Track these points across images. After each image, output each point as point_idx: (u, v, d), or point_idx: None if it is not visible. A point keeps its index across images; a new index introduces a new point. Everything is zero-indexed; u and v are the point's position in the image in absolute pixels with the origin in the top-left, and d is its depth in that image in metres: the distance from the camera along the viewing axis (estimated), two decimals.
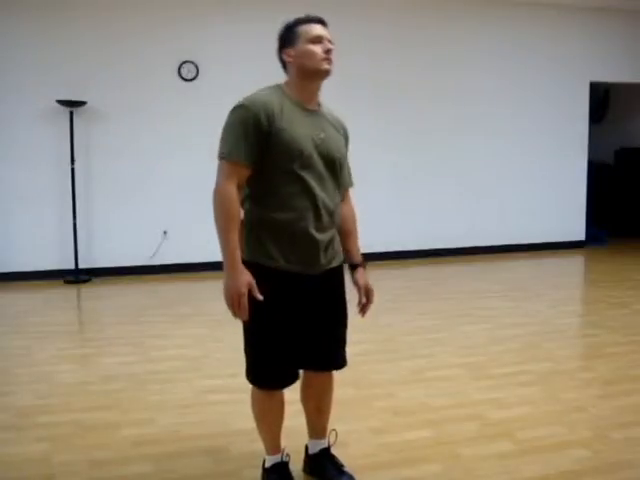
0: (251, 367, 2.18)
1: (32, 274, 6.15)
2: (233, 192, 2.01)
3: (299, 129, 2.06)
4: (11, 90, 6.02)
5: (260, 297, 2.01)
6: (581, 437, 2.75)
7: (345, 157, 2.25)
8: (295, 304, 2.13)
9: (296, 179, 2.06)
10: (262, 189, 2.09)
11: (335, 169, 2.16)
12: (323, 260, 2.15)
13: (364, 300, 2.29)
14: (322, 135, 2.11)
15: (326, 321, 2.22)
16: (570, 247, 7.97)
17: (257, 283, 2.04)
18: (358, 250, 2.34)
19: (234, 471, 2.49)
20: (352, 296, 2.33)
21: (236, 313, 2.01)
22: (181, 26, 6.37)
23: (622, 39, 7.92)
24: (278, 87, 2.14)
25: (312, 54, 2.05)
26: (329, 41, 2.09)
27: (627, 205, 8.91)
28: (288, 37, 2.11)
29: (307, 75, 2.09)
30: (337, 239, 2.26)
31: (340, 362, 2.31)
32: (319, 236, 2.11)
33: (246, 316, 2.01)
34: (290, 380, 2.19)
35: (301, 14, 2.15)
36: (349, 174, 2.35)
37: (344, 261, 2.30)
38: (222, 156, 2.03)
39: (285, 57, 2.12)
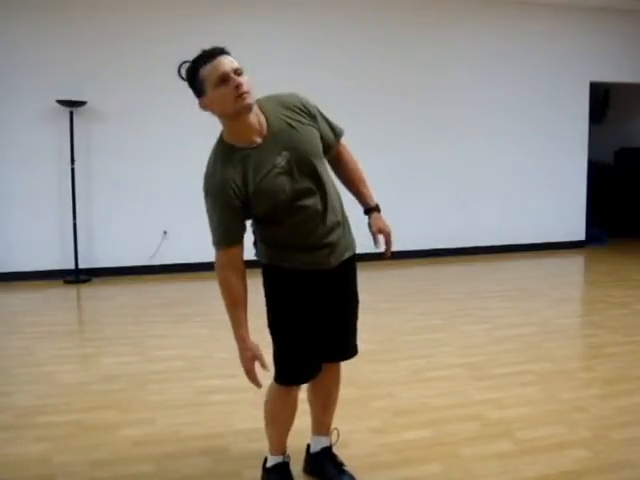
0: (278, 364, 2.20)
1: (32, 274, 6.15)
2: (231, 278, 2.06)
3: (267, 174, 1.99)
4: (11, 90, 6.01)
5: (268, 369, 2.10)
6: (581, 437, 2.75)
7: (317, 137, 2.12)
8: (313, 298, 2.19)
9: (290, 211, 2.06)
10: (264, 227, 2.15)
11: (315, 168, 2.09)
12: (337, 256, 2.20)
13: (379, 246, 2.27)
14: (284, 154, 2.02)
15: (341, 310, 2.28)
16: (570, 247, 7.97)
17: (277, 282, 2.17)
18: (370, 194, 2.33)
19: (234, 471, 2.49)
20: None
21: (252, 383, 2.12)
22: (181, 26, 6.37)
23: (622, 39, 7.92)
24: (221, 144, 2.05)
25: (223, 99, 1.92)
26: (235, 71, 1.93)
27: (627, 205, 8.91)
28: (195, 87, 1.98)
29: (231, 118, 1.98)
30: (347, 229, 2.27)
31: (354, 350, 2.36)
32: (330, 239, 2.15)
33: (260, 386, 2.10)
34: (315, 373, 2.24)
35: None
36: (331, 126, 2.22)
37: (355, 253, 2.31)
38: (216, 246, 2.08)
39: (203, 108, 2.01)
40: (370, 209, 2.32)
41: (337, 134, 2.25)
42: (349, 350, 2.34)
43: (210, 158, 2.07)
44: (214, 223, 2.06)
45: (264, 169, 2.00)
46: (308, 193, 2.07)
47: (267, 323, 2.21)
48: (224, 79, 1.91)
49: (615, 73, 7.98)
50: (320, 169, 2.11)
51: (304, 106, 2.13)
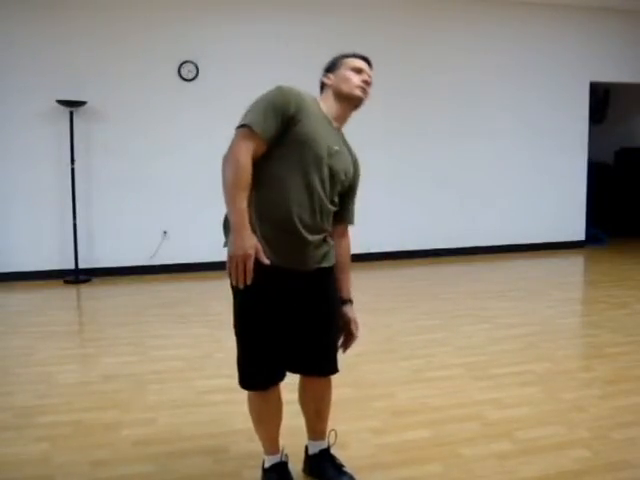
0: (239, 367, 2.19)
1: (32, 274, 6.15)
2: (246, 156, 2.00)
3: (319, 132, 2.11)
4: (11, 90, 6.02)
5: (267, 261, 1.99)
6: (581, 437, 2.75)
7: (351, 187, 2.29)
8: (284, 301, 2.13)
9: (302, 173, 2.07)
10: (266, 177, 2.07)
11: (336, 185, 2.17)
12: (314, 258, 2.15)
13: (352, 333, 2.31)
14: (336, 148, 2.17)
15: (315, 322, 2.20)
16: (570, 247, 7.97)
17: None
18: (349, 286, 2.37)
19: (234, 471, 2.49)
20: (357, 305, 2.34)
21: (239, 277, 1.95)
22: (181, 26, 6.37)
23: (622, 39, 7.92)
24: (313, 97, 2.21)
25: (348, 79, 2.19)
26: (369, 76, 2.23)
27: (627, 205, 8.91)
28: (333, 64, 2.26)
29: (341, 98, 2.19)
30: (330, 244, 2.25)
31: (330, 368, 2.27)
32: (310, 237, 2.11)
33: (250, 279, 1.96)
34: (275, 380, 2.19)
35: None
36: (353, 212, 2.37)
37: (332, 266, 2.27)
38: (244, 123, 2.02)
39: (325, 80, 2.25)
40: (346, 301, 2.34)
41: (351, 216, 2.37)
42: (323, 366, 2.26)
43: None
44: (262, 110, 2.03)
45: (319, 130, 2.12)
46: (321, 179, 2.11)
47: (233, 324, 2.17)
48: (360, 70, 2.21)
49: (615, 73, 7.98)
50: (336, 187, 2.19)
51: (357, 166, 2.32)
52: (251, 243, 1.97)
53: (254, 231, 2.03)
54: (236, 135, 2.04)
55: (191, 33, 6.43)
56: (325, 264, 2.21)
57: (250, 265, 1.95)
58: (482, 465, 2.51)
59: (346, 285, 2.35)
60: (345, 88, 2.18)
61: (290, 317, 2.15)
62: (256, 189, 2.06)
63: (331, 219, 2.23)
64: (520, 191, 7.74)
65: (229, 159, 2.01)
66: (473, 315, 4.87)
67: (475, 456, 2.58)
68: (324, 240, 2.20)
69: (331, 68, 2.25)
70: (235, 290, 2.10)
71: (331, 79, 2.22)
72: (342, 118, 2.24)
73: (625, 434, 2.77)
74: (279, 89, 2.09)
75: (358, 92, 2.18)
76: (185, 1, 6.39)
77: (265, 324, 2.11)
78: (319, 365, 2.26)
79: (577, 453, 2.60)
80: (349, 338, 2.33)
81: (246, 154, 2.00)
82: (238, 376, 2.19)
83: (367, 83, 2.20)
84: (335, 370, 2.28)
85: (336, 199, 2.22)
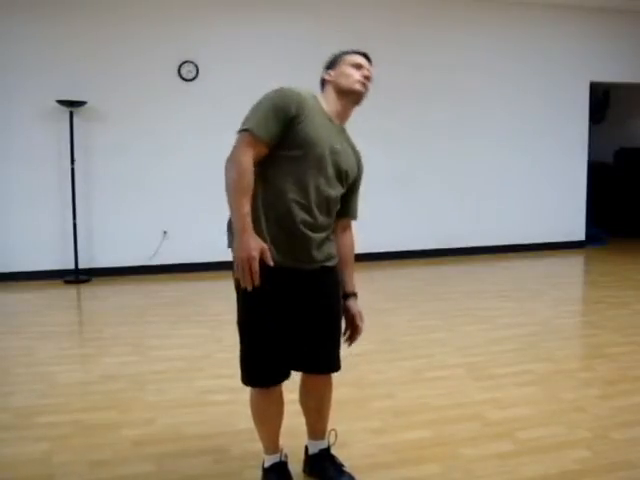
0: (242, 364, 2.18)
1: (32, 274, 6.15)
2: (248, 160, 2.02)
3: (321, 132, 2.12)
4: (11, 90, 6.02)
5: (271, 262, 2.00)
6: (581, 437, 2.75)
7: (355, 183, 2.30)
8: (288, 300, 2.14)
9: (304, 173, 2.08)
10: (270, 178, 2.09)
11: (342, 181, 2.21)
12: (317, 256, 2.16)
13: (357, 326, 2.32)
14: (338, 146, 2.18)
15: (319, 320, 2.21)
16: (570, 247, 7.97)
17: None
18: (353, 280, 2.37)
19: (234, 471, 2.49)
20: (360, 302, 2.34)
21: (245, 279, 1.97)
22: (181, 26, 6.37)
23: (622, 39, 7.92)
24: (314, 95, 2.22)
25: (348, 75, 2.21)
26: (368, 71, 2.25)
27: (627, 205, 8.91)
28: (333, 61, 2.29)
29: (342, 94, 2.21)
30: (333, 243, 2.27)
31: (333, 365, 2.28)
32: (313, 235, 2.13)
33: (257, 281, 1.97)
34: (280, 378, 2.18)
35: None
36: (356, 207, 2.38)
37: (336, 265, 2.29)
38: (245, 128, 2.04)
39: (325, 76, 2.27)
40: (350, 294, 2.35)
41: (354, 211, 2.38)
42: (326, 363, 2.27)
43: None
44: (264, 113, 2.04)
45: (321, 129, 2.13)
46: (326, 176, 2.13)
47: (236, 320, 2.17)
48: (359, 66, 2.24)
49: (615, 73, 7.98)
50: (343, 183, 2.22)
51: (361, 163, 2.33)
52: (254, 245, 1.97)
53: (260, 230, 2.06)
54: (238, 139, 2.06)
55: (191, 33, 6.43)
56: (329, 263, 2.23)
57: (255, 266, 1.96)
58: (482, 465, 2.51)
59: (350, 279, 2.36)
60: (345, 83, 2.20)
61: (295, 315, 2.16)
62: (260, 189, 2.08)
63: (331, 224, 2.24)
64: (520, 191, 7.74)
65: (231, 163, 2.03)
66: (473, 315, 4.87)
67: (475, 456, 2.58)
68: (328, 238, 2.22)
69: (331, 65, 2.28)
70: (239, 289, 2.11)
71: (331, 75, 2.24)
72: (343, 114, 2.25)
73: (625, 434, 2.77)
74: (280, 90, 2.10)
75: (358, 87, 2.20)
76: (185, 1, 6.40)
77: (270, 322, 2.11)
78: (322, 362, 2.26)
79: (577, 453, 2.60)
80: (355, 331, 2.33)
81: (248, 158, 2.02)
82: (241, 373, 2.18)
83: (367, 78, 2.23)
84: (338, 367, 2.29)
85: (339, 197, 2.22)
